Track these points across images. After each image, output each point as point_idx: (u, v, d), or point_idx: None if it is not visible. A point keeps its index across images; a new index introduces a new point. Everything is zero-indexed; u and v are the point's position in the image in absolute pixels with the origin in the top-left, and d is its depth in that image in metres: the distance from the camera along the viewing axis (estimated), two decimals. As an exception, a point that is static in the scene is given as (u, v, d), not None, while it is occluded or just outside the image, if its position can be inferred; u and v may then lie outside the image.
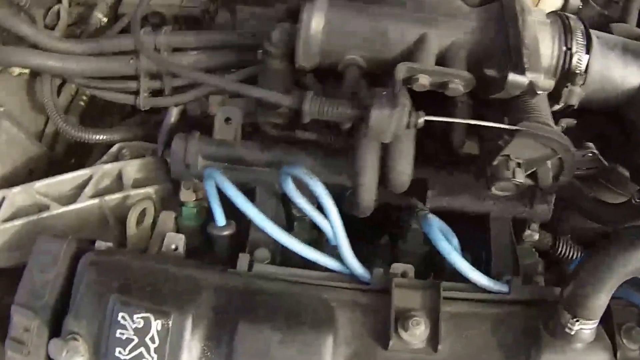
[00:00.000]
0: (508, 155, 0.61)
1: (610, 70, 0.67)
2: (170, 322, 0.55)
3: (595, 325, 0.60)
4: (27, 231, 0.68)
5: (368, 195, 0.63)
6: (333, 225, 0.60)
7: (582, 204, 0.68)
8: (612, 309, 0.64)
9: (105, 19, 0.75)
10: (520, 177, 0.61)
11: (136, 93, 0.70)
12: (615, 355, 0.62)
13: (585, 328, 0.59)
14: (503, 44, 0.61)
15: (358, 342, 0.58)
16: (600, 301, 0.57)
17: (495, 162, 0.61)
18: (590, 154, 0.63)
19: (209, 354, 0.56)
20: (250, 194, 0.66)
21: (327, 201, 0.60)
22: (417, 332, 0.57)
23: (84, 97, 0.78)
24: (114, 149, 0.71)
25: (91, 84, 0.70)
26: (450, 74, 0.60)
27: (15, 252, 0.68)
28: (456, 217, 0.69)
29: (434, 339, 0.57)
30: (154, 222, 0.67)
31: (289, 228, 0.67)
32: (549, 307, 0.60)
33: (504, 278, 0.65)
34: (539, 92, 0.59)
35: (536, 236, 0.71)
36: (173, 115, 0.69)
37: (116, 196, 0.67)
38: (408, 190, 0.68)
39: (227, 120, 0.67)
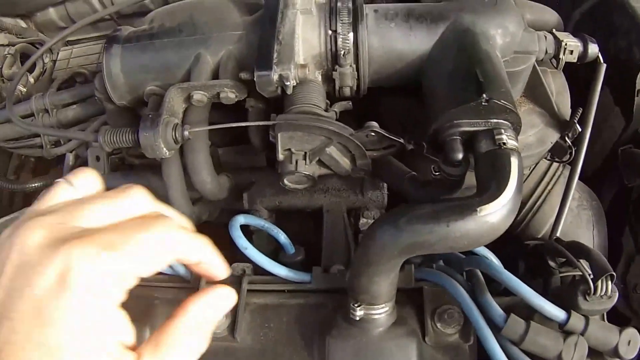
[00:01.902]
0: (290, 149, 0.60)
1: (392, 42, 0.61)
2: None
3: (387, 309, 0.56)
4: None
5: (180, 207, 0.66)
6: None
7: (399, 186, 0.63)
8: (424, 292, 0.59)
9: (24, 89, 0.90)
10: (304, 168, 0.60)
11: (42, 147, 0.84)
12: (424, 339, 0.57)
13: (374, 313, 0.56)
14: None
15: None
16: (377, 285, 0.54)
17: (280, 158, 0.60)
18: (373, 133, 0.58)
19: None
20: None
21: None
22: (219, 323, 0.59)
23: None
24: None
25: (8, 145, 0.85)
26: (214, 85, 0.61)
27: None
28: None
29: (235, 328, 0.59)
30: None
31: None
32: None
33: (332, 269, 0.63)
34: (287, 84, 0.57)
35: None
36: (70, 160, 0.81)
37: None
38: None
39: (97, 158, 0.76)
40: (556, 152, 0.69)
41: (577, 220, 0.72)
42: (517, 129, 0.56)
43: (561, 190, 0.71)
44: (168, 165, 0.63)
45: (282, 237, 0.67)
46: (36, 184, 0.86)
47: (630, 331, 0.56)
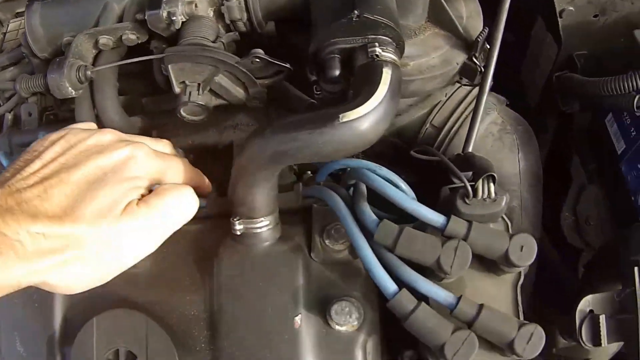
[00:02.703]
0: (184, 82, 0.68)
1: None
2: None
3: (268, 224, 0.62)
4: None
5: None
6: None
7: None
8: (312, 210, 0.65)
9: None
10: (197, 98, 0.67)
11: (-19, 108, 0.94)
12: (310, 255, 0.63)
13: (254, 227, 0.62)
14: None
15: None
16: (252, 196, 0.60)
17: (177, 91, 0.68)
18: (258, 60, 0.64)
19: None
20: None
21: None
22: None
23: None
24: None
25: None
26: (117, 28, 0.70)
27: None
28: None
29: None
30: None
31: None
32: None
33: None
34: (174, 19, 0.65)
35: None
36: (9, 119, 0.91)
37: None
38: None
39: (30, 114, 0.86)
40: (467, 74, 0.74)
41: (498, 144, 0.77)
42: (399, 44, 0.61)
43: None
44: (79, 105, 0.72)
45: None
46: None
47: (523, 236, 0.59)
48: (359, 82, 0.58)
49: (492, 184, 0.59)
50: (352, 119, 0.53)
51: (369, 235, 0.59)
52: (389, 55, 0.58)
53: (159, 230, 0.56)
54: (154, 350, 0.65)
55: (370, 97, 0.54)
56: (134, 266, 0.65)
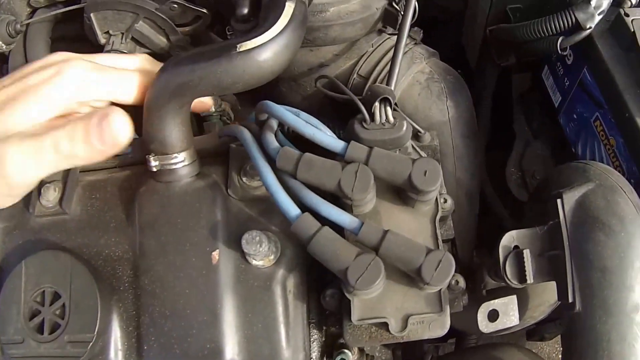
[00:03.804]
0: (108, 32, 0.72)
1: None
2: None
3: (182, 160, 0.65)
4: None
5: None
6: None
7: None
8: (230, 150, 0.68)
9: None
10: (120, 46, 0.71)
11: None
12: (227, 190, 0.66)
13: (169, 163, 0.64)
14: None
15: (17, 216, 0.72)
16: (162, 132, 0.63)
17: (102, 41, 0.73)
18: (175, 5, 0.69)
19: None
20: None
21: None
22: (51, 197, 0.70)
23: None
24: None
25: None
26: (44, -17, 0.75)
27: None
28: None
29: (63, 200, 0.70)
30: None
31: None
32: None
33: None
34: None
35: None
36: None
37: None
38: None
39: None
40: (388, 20, 0.77)
41: (426, 92, 0.79)
42: (307, -18, 0.65)
43: (405, 64, 0.80)
44: (12, 60, 0.77)
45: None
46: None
47: (426, 160, 0.59)
48: (263, 17, 0.61)
49: (388, 108, 0.61)
50: (250, 49, 0.56)
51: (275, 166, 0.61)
52: None
53: (48, 157, 0.56)
54: (76, 288, 0.68)
55: (269, 28, 0.57)
56: (63, 212, 0.71)
